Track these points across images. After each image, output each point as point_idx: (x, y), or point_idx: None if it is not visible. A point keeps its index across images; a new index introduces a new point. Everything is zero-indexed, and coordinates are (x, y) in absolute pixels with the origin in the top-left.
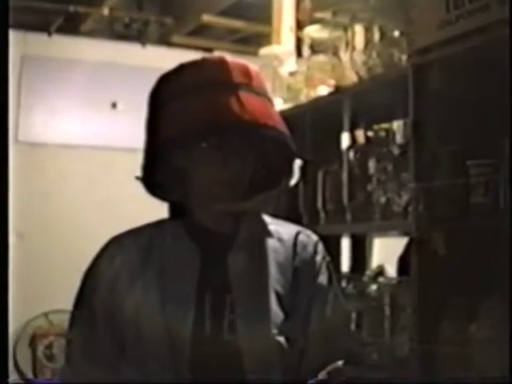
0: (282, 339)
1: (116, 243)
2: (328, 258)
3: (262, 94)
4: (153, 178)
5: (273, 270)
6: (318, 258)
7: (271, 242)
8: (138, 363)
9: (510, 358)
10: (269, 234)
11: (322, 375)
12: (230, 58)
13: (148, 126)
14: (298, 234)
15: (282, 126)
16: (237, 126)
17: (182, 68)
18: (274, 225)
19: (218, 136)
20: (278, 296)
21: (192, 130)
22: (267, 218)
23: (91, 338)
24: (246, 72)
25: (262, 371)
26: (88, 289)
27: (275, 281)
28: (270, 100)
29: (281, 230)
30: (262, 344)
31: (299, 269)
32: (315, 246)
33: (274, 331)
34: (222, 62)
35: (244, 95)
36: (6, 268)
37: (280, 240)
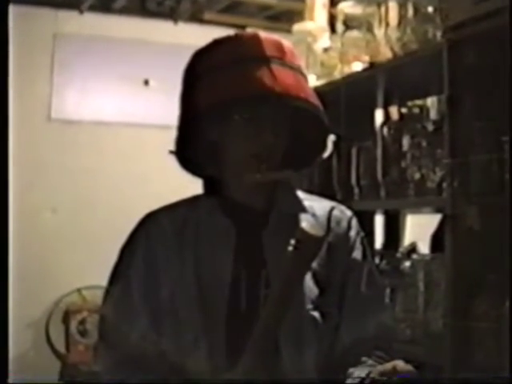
0: (316, 314)
1: (151, 219)
2: (362, 233)
3: (295, 68)
4: (187, 153)
5: None
6: (352, 233)
7: (305, 218)
8: (173, 336)
9: (510, 357)
10: (303, 209)
11: (375, 372)
12: (262, 33)
13: (182, 101)
14: (332, 209)
15: (314, 99)
16: (269, 97)
17: (215, 43)
18: (308, 200)
19: (250, 108)
20: (313, 271)
21: (224, 102)
22: (301, 194)
23: (127, 313)
24: (279, 47)
25: (297, 346)
26: (124, 264)
27: None
28: (303, 74)
29: (315, 206)
30: (297, 319)
31: (333, 244)
32: (349, 221)
33: (309, 306)
34: (255, 38)
35: (277, 68)
36: (6, 270)
37: (314, 215)
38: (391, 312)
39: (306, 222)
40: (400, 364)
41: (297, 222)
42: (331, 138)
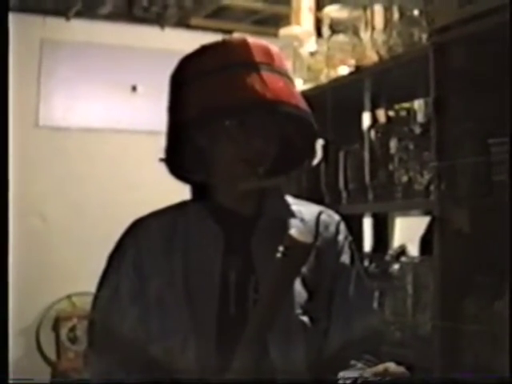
0: (305, 319)
1: (140, 225)
2: (350, 238)
3: (284, 74)
4: (176, 160)
5: None
6: (341, 237)
7: (294, 223)
8: (162, 341)
9: (510, 357)
10: (292, 214)
11: (368, 374)
12: (251, 38)
13: (170, 108)
14: (320, 213)
15: (304, 105)
16: (260, 103)
17: (203, 49)
18: (296, 205)
19: (240, 114)
20: (302, 276)
21: (214, 109)
22: (290, 199)
23: (116, 318)
24: (268, 52)
25: (287, 350)
26: (113, 270)
27: None
28: (291, 80)
29: (303, 211)
30: (286, 323)
31: (322, 248)
32: (337, 225)
33: (298, 311)
34: (243, 43)
35: (266, 74)
36: (6, 272)
37: (302, 220)
38: (379, 315)
39: (294, 229)
40: (392, 366)
41: (286, 227)
42: (320, 142)
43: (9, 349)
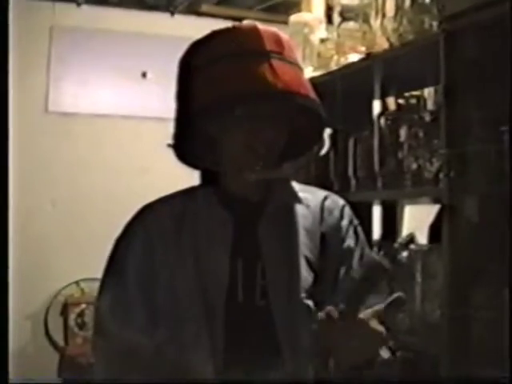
0: (310, 302)
1: (148, 210)
2: (356, 222)
3: (294, 63)
4: (184, 146)
5: (302, 236)
6: (345, 222)
7: (300, 209)
8: (171, 327)
9: (510, 358)
10: (298, 200)
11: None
12: (261, 26)
13: (179, 94)
14: (324, 199)
15: (313, 95)
16: (270, 93)
17: (213, 35)
18: (303, 192)
19: (251, 103)
20: (308, 261)
21: (225, 98)
22: (296, 185)
23: (123, 305)
24: (278, 40)
25: (293, 333)
26: (121, 256)
27: (304, 246)
28: (300, 69)
29: (309, 197)
30: (293, 308)
31: (326, 234)
32: (341, 210)
33: (303, 295)
34: (254, 30)
35: (277, 63)
36: (6, 266)
37: (308, 206)
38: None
39: None
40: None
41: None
42: (327, 131)
43: (8, 348)
